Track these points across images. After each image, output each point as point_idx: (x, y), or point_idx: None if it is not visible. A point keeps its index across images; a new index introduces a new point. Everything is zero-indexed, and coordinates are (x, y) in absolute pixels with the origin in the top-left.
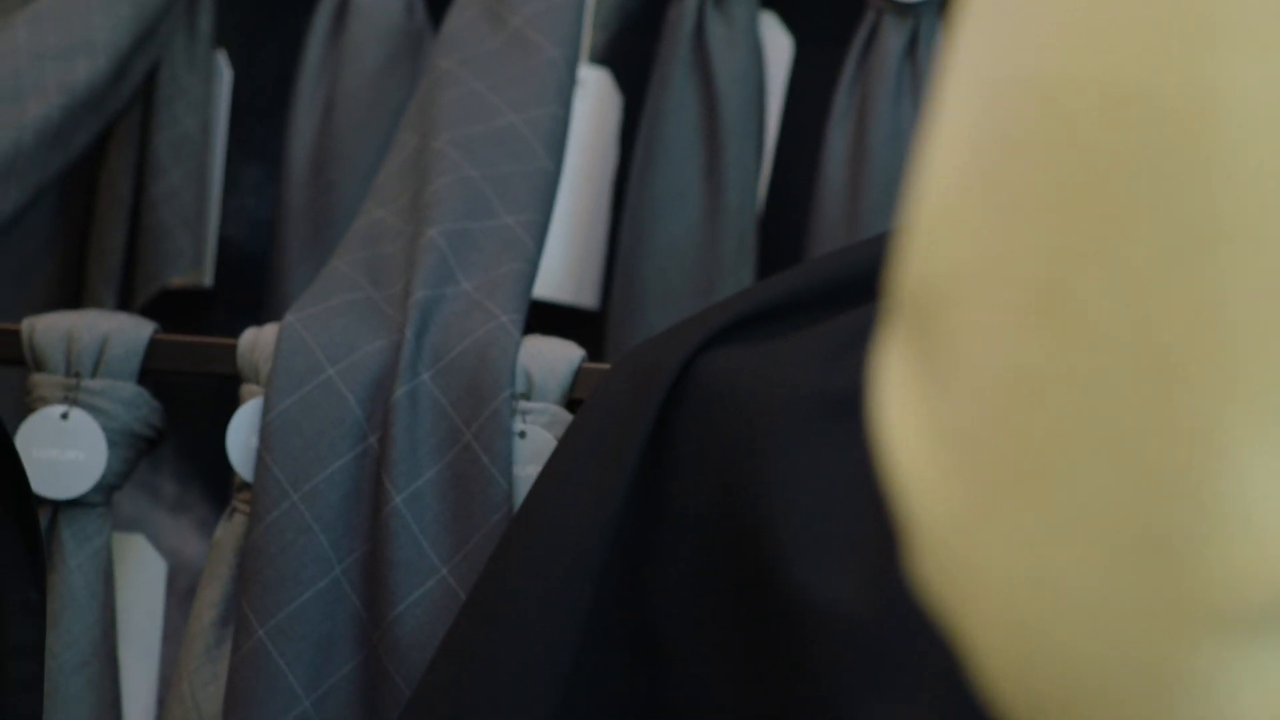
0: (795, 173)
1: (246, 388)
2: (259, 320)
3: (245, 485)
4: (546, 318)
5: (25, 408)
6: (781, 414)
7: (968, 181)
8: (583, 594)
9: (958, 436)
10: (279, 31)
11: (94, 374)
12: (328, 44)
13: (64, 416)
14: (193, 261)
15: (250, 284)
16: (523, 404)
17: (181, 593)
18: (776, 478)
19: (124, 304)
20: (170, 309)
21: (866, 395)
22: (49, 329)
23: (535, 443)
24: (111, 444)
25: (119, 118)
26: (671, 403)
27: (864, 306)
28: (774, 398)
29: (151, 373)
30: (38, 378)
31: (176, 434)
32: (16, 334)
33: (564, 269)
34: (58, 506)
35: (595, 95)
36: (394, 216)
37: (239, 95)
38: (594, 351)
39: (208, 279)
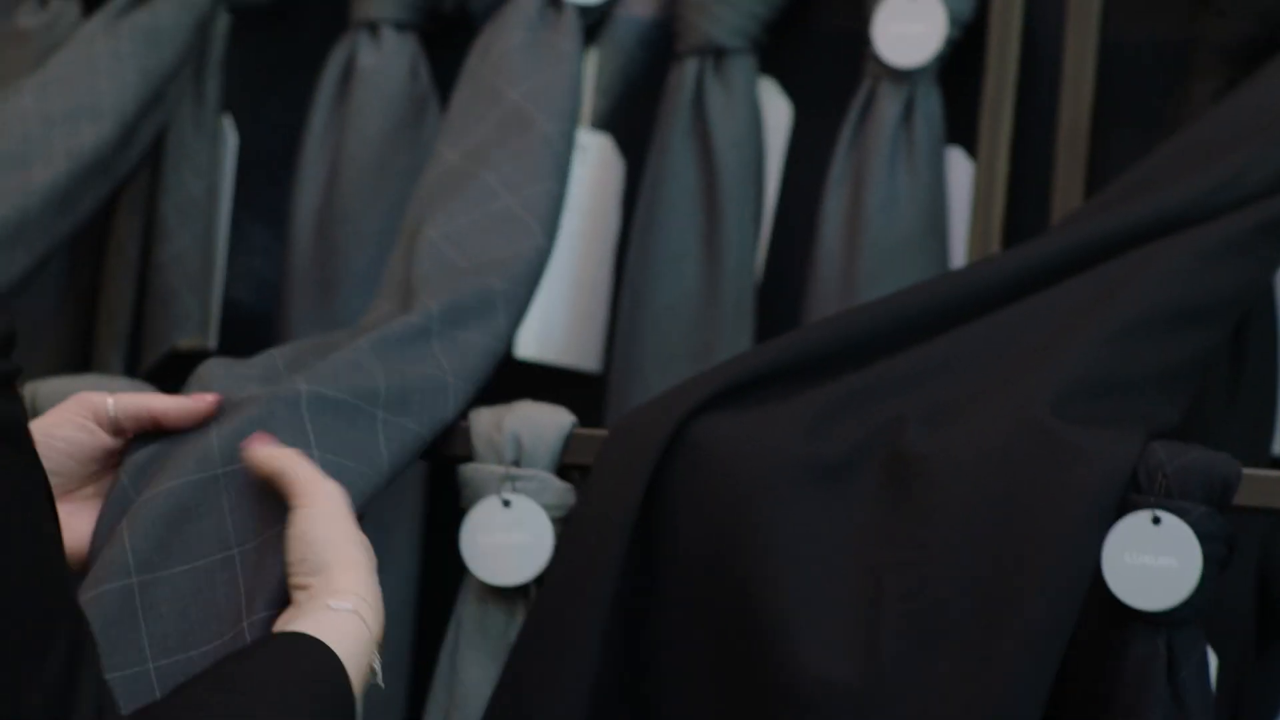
0: (793, 237)
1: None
2: None
3: None
4: (549, 380)
5: None
6: (772, 481)
7: None
8: (587, 664)
9: None
10: (284, 96)
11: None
12: (333, 109)
13: None
14: (199, 324)
15: (258, 345)
16: (512, 470)
17: None
18: (768, 545)
19: (131, 366)
20: (178, 371)
21: (853, 464)
22: (52, 394)
23: (520, 511)
24: None
25: (126, 182)
26: (664, 469)
27: (855, 372)
28: (765, 465)
29: None
30: None
31: None
32: None
33: (565, 333)
34: None
35: (597, 161)
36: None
37: (245, 158)
38: (595, 413)
39: (211, 341)
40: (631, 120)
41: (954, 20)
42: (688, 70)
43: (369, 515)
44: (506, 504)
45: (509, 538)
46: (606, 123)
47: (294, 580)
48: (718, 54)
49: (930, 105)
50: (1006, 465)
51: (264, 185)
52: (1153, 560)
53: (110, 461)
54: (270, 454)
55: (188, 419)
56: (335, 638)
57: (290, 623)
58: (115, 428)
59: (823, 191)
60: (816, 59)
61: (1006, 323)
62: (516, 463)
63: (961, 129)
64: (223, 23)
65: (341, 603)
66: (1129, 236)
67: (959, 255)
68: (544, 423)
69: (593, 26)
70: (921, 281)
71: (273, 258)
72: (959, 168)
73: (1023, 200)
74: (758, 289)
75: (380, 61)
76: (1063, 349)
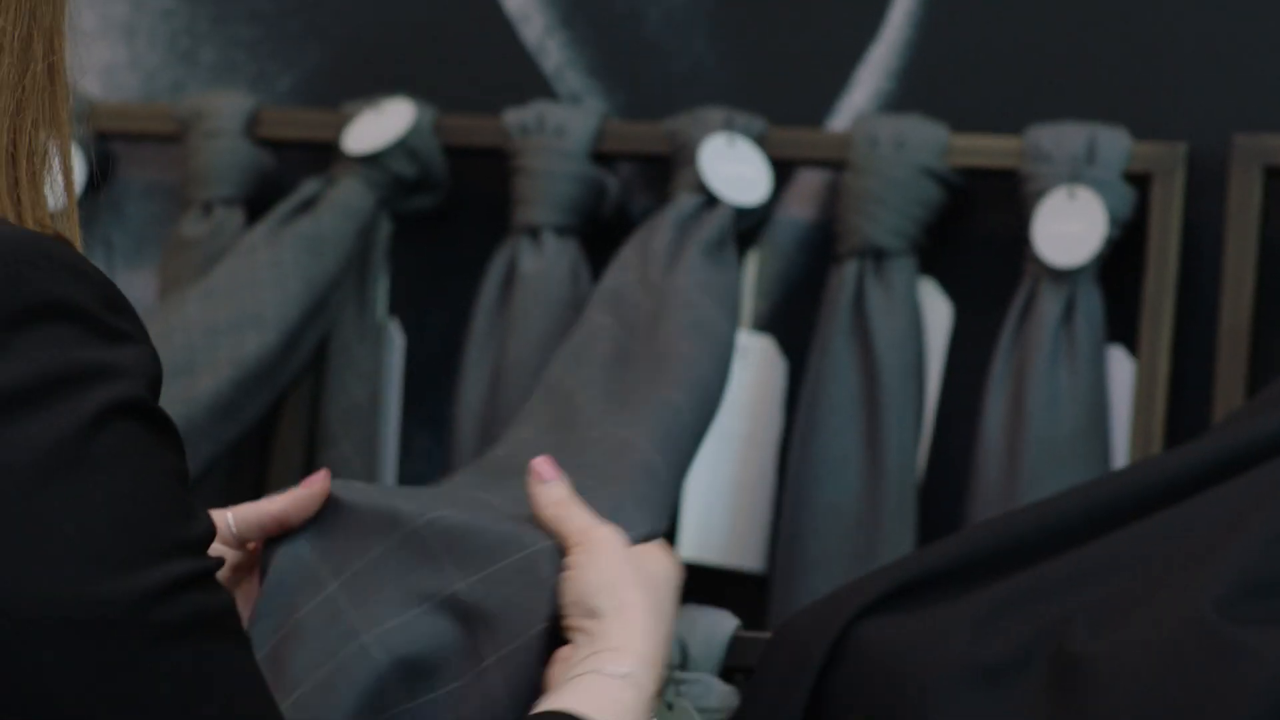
0: (955, 437)
1: None
2: None
3: None
4: (711, 579)
5: None
6: (937, 684)
7: None
8: None
9: None
10: (447, 300)
11: None
12: (495, 313)
13: None
14: None
15: None
16: (677, 674)
17: None
18: None
19: None
20: None
21: (1018, 666)
22: None
23: (681, 716)
24: None
25: (291, 388)
26: (828, 673)
27: (1019, 573)
28: (930, 669)
29: None
30: None
31: None
32: None
33: (727, 533)
34: None
35: (759, 362)
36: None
37: (409, 362)
38: (757, 614)
39: None
40: (792, 322)
41: (1114, 219)
42: (848, 272)
43: None
44: (670, 707)
45: None
46: (767, 324)
47: (569, 621)
48: (878, 255)
49: (1091, 304)
50: (1173, 665)
51: (427, 390)
52: None
53: (239, 573)
54: (546, 500)
55: (310, 506)
56: (608, 711)
57: (562, 686)
58: (240, 543)
59: (984, 391)
60: (976, 259)
61: (1170, 522)
62: (682, 666)
63: (1122, 327)
64: (385, 228)
65: (618, 666)
66: None
67: (1121, 454)
68: (707, 626)
69: (752, 229)
70: (1084, 482)
71: (435, 463)
72: (1120, 366)
73: (1184, 399)
74: (920, 489)
75: (542, 266)
76: (1226, 548)
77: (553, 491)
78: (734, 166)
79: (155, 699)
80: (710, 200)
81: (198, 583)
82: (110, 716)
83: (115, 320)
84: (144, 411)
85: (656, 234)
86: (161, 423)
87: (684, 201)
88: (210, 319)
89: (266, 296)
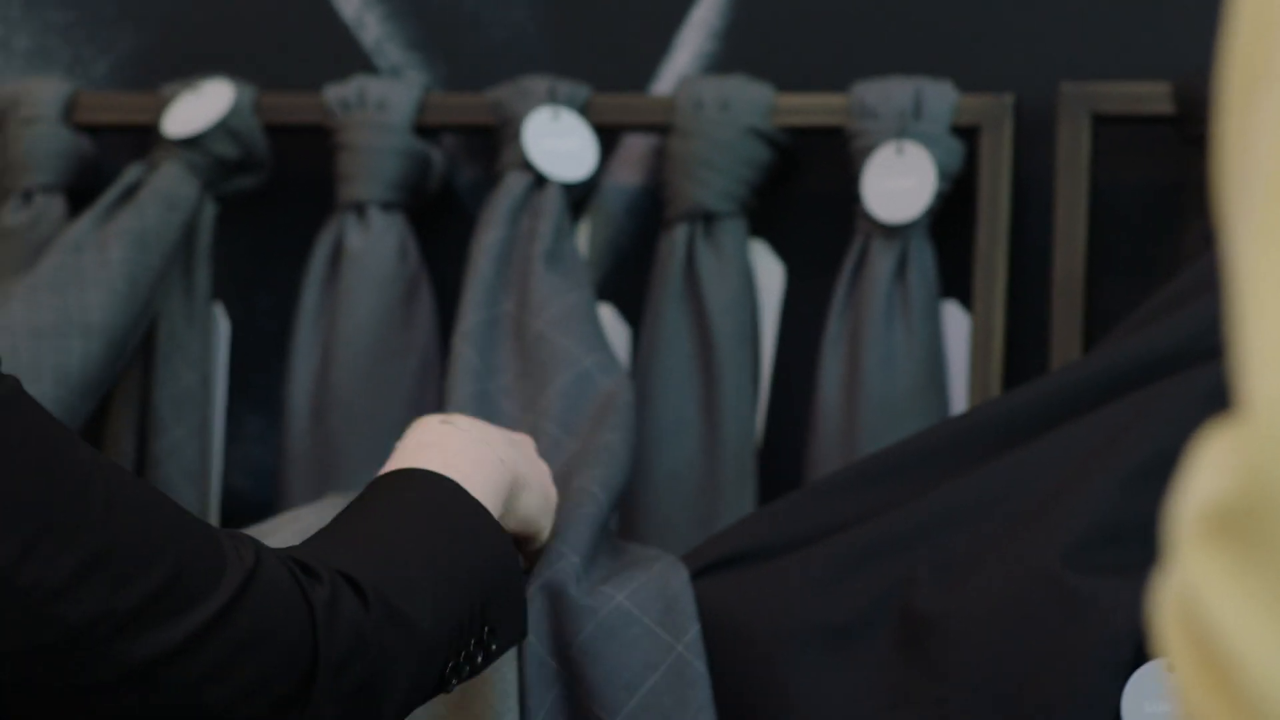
0: (792, 398)
1: None
2: None
3: None
4: None
5: None
6: (786, 647)
7: None
8: None
9: None
10: (274, 281)
11: None
12: (323, 292)
13: None
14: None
15: None
16: None
17: None
18: (785, 712)
19: None
20: None
21: (866, 625)
22: None
23: None
24: None
25: (118, 380)
26: None
27: (861, 525)
28: (777, 629)
29: None
30: None
31: None
32: None
33: None
34: None
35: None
36: None
37: (238, 346)
38: None
39: None
40: (626, 289)
41: (943, 173)
42: (678, 236)
43: None
44: None
45: None
46: (602, 292)
47: None
48: (707, 219)
49: (923, 260)
50: (1021, 619)
51: (256, 373)
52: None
53: None
54: None
55: None
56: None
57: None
58: None
59: (819, 352)
60: (807, 219)
61: (1011, 470)
62: None
63: (955, 282)
64: (209, 212)
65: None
66: (1126, 376)
67: (959, 410)
68: None
69: (581, 198)
70: (924, 429)
71: (269, 445)
72: (955, 322)
73: (1020, 352)
74: (758, 453)
75: (368, 242)
76: (1070, 497)
77: None
78: (559, 141)
79: None
80: (539, 179)
81: None
82: None
83: None
84: None
85: (490, 230)
86: None
87: (512, 182)
88: (35, 321)
89: (92, 300)
